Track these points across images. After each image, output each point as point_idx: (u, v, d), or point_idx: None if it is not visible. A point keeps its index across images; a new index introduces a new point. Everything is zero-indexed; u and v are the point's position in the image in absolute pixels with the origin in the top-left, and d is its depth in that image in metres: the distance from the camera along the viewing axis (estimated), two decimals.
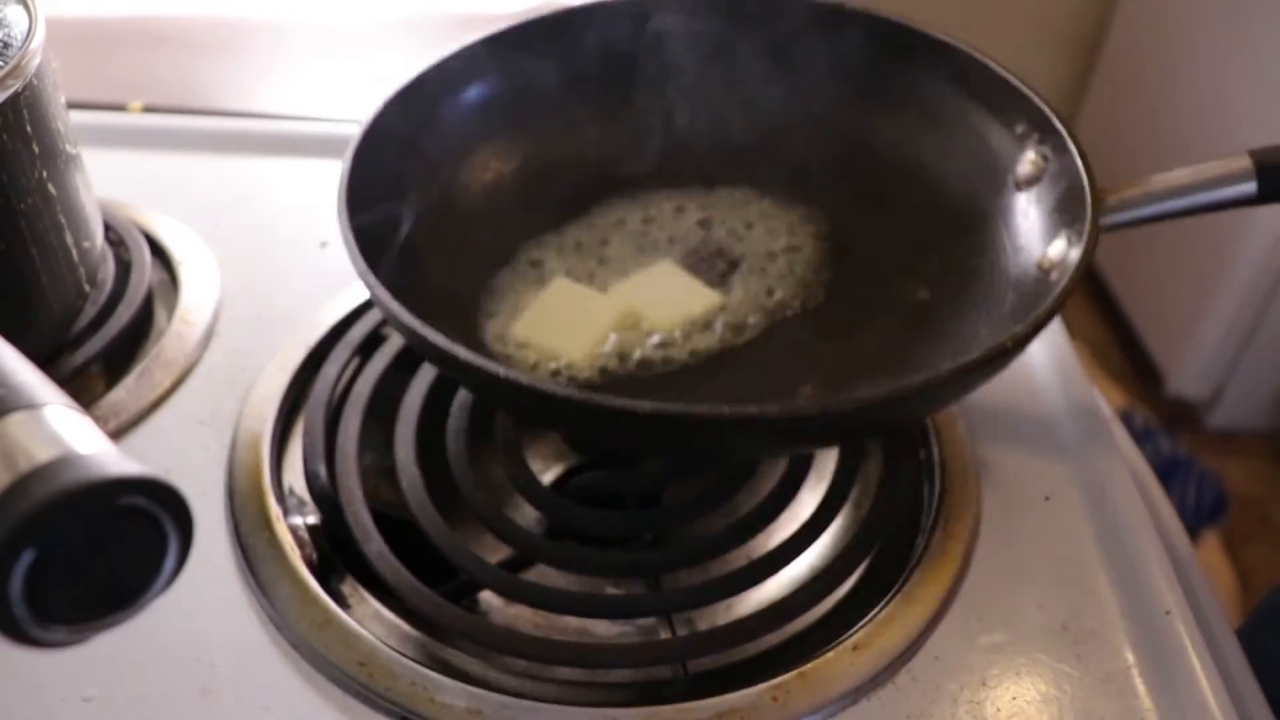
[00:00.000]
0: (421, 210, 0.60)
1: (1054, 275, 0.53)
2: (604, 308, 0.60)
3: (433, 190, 0.61)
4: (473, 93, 0.65)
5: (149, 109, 0.83)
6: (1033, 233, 0.58)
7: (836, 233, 0.65)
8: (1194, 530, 1.54)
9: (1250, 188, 0.54)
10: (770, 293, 0.62)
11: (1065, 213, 0.55)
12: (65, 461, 0.24)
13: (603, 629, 0.52)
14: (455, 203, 0.63)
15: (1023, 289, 0.56)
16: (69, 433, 0.26)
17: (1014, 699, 0.47)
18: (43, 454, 0.25)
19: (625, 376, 0.57)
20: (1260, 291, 1.74)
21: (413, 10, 1.06)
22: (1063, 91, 2.56)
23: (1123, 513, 0.56)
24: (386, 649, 0.46)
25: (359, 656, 0.46)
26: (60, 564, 0.24)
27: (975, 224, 0.62)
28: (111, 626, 0.26)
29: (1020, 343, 0.46)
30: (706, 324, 0.59)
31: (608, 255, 0.64)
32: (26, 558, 0.24)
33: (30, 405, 0.26)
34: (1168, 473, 1.61)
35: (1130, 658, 0.49)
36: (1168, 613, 0.51)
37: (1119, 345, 2.17)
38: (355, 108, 0.88)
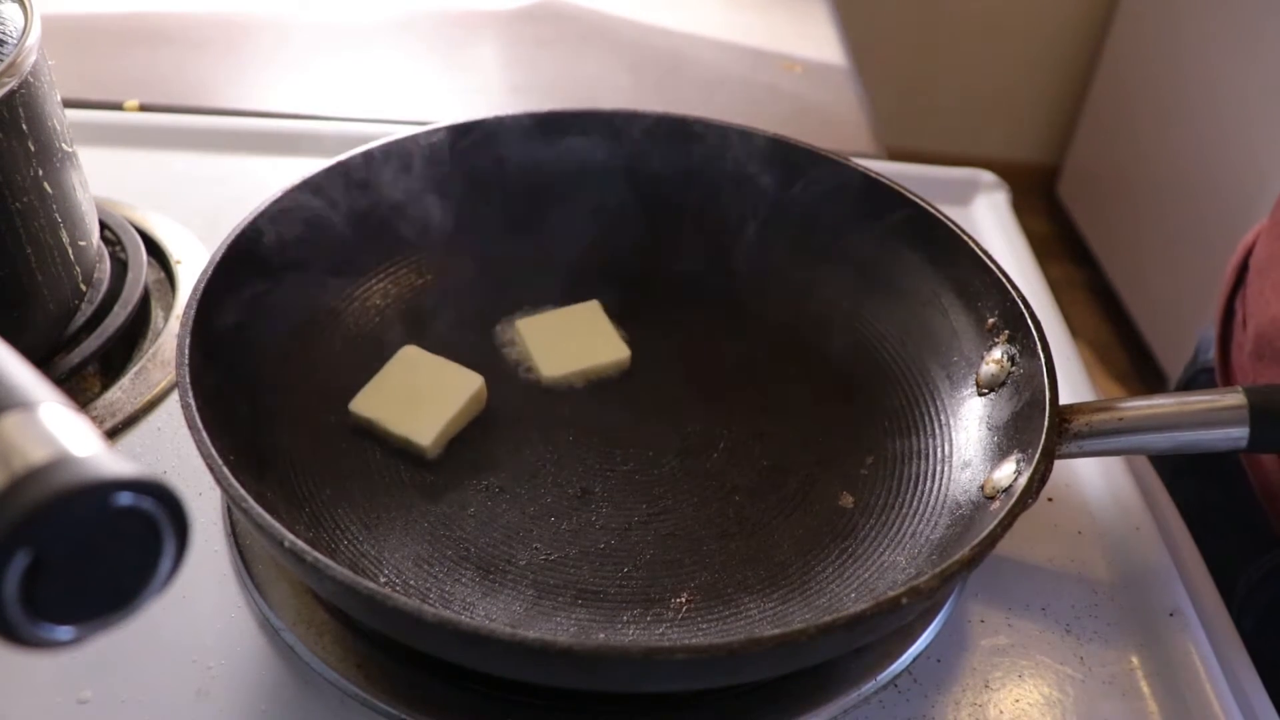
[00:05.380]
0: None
1: (995, 505, 0.47)
2: (459, 383, 0.56)
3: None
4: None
5: (145, 107, 0.83)
6: (984, 447, 0.52)
7: (768, 405, 0.59)
8: None
9: (1240, 434, 0.47)
10: (678, 469, 0.55)
11: (1022, 431, 0.49)
12: (61, 462, 0.24)
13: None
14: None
15: (960, 514, 0.50)
16: (65, 433, 0.25)
17: (1017, 701, 0.47)
18: (38, 455, 0.24)
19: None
20: None
21: (412, 8, 1.05)
22: (1052, 125, 2.56)
23: (1127, 514, 0.56)
24: (384, 652, 0.46)
25: (356, 659, 0.46)
26: (56, 565, 0.24)
27: (922, 422, 0.56)
28: (108, 628, 0.26)
29: (918, 595, 0.40)
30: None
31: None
32: (22, 559, 0.24)
33: (26, 405, 0.26)
34: None
35: (1134, 660, 0.49)
36: (1172, 614, 0.51)
37: (1122, 346, 2.17)
38: (354, 107, 0.88)
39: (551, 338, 0.61)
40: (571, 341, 0.61)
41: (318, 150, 0.74)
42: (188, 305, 0.49)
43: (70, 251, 0.57)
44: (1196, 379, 0.74)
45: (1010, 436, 0.50)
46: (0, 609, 0.24)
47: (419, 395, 0.55)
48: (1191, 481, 0.62)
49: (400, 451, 0.54)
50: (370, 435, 0.55)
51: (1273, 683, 0.49)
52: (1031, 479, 0.45)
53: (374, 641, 0.46)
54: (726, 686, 0.45)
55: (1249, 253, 0.67)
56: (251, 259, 0.54)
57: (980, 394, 0.54)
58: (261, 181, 0.72)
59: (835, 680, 0.47)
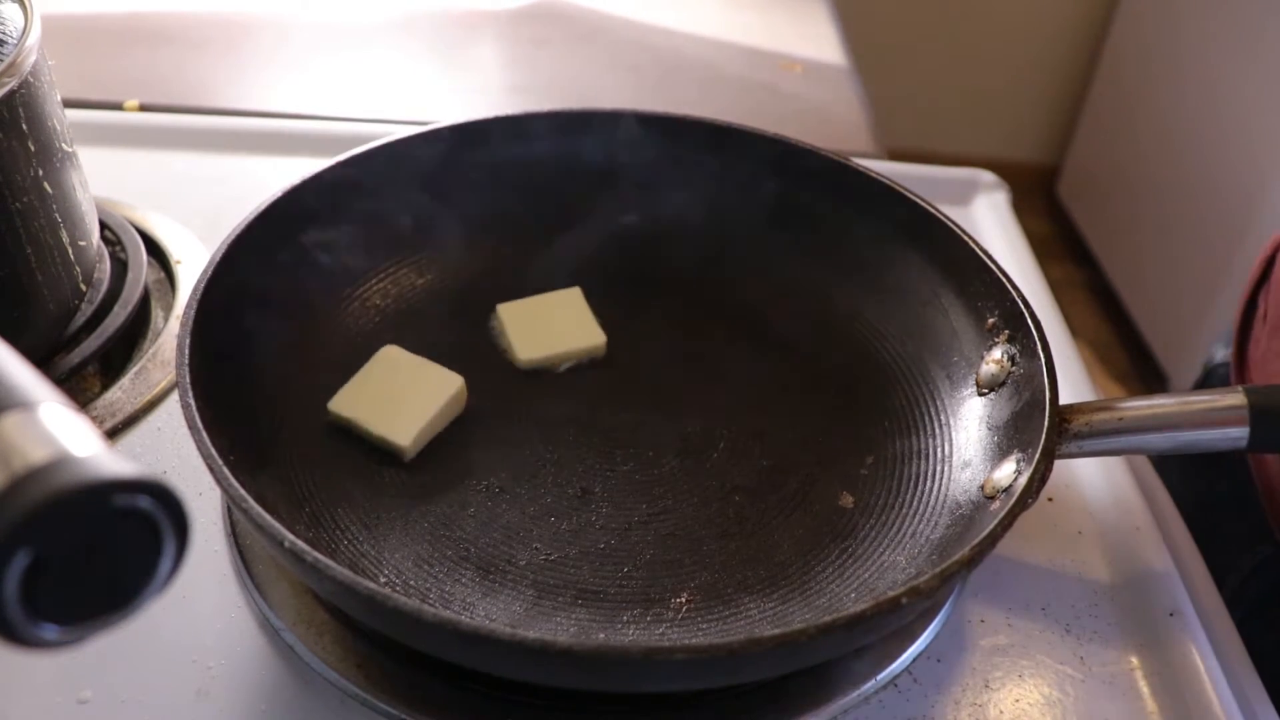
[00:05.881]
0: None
1: (995, 505, 0.47)
2: (436, 383, 0.56)
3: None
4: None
5: (145, 107, 0.83)
6: (984, 447, 0.52)
7: (768, 405, 0.59)
8: None
9: (1240, 434, 0.47)
10: (677, 469, 0.55)
11: (1022, 431, 0.49)
12: (61, 462, 0.24)
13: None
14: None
15: (960, 514, 0.50)
16: (65, 433, 0.25)
17: (1017, 701, 0.47)
18: (38, 455, 0.24)
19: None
20: None
21: (412, 8, 1.05)
22: (1052, 125, 2.56)
23: (1127, 514, 0.56)
24: (384, 652, 0.46)
25: (356, 659, 0.46)
26: (56, 565, 0.24)
27: (922, 422, 0.56)
28: (107, 628, 0.26)
29: (918, 595, 0.39)
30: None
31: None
32: (22, 559, 0.24)
33: (26, 405, 0.26)
34: None
35: (1134, 660, 0.49)
36: (1172, 614, 0.51)
37: (1123, 346, 2.17)
38: (354, 107, 0.88)
39: (530, 322, 0.61)
40: (549, 326, 0.61)
41: (318, 150, 0.74)
42: (188, 305, 0.49)
43: (70, 251, 0.57)
44: (1215, 372, 0.74)
45: (1010, 436, 0.50)
46: (0, 609, 0.24)
47: (398, 395, 0.55)
48: (1198, 475, 0.61)
49: (387, 451, 0.54)
50: (350, 435, 0.54)
51: (1260, 674, 0.49)
52: (1031, 479, 0.45)
53: (374, 641, 0.46)
54: (726, 686, 0.45)
55: (1278, 248, 0.67)
56: (251, 259, 0.54)
57: (980, 394, 0.54)
58: (261, 181, 0.72)
59: (835, 680, 0.47)
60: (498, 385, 0.59)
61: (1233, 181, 1.82)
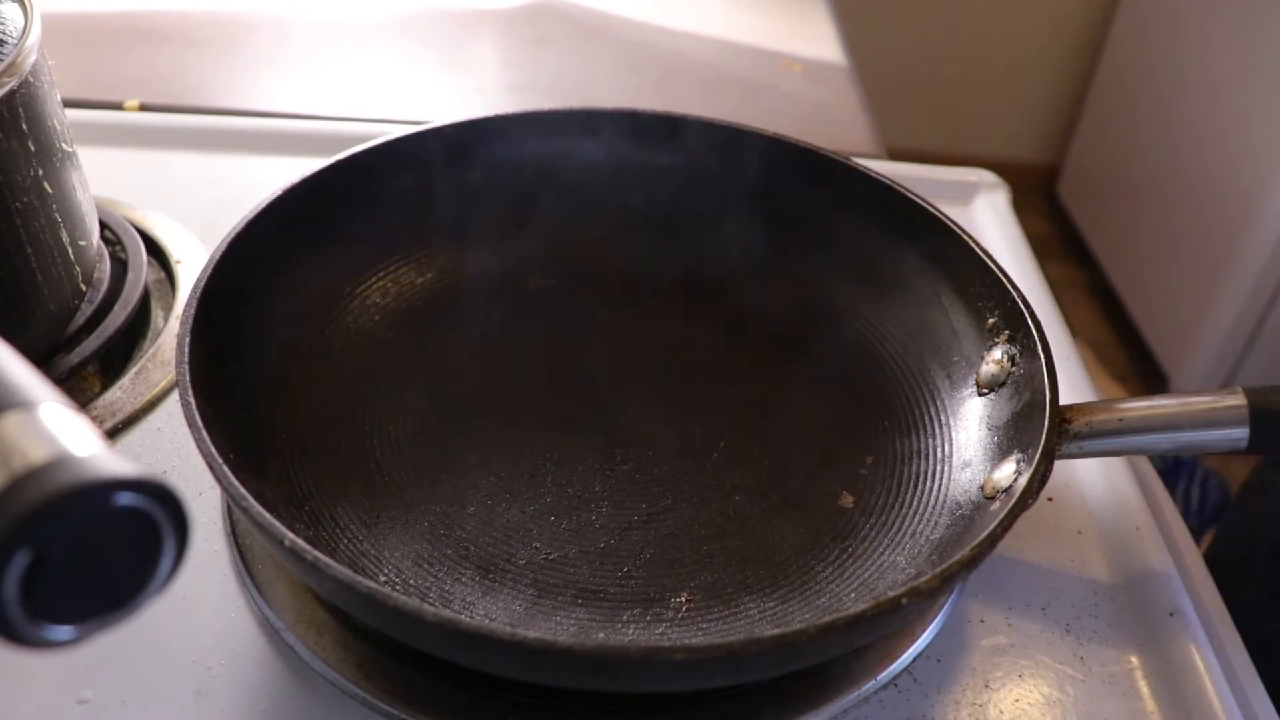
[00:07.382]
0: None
1: (995, 505, 0.47)
2: None
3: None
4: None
5: (145, 107, 0.83)
6: (984, 447, 0.52)
7: (768, 405, 0.59)
8: (1197, 531, 1.54)
9: (1241, 434, 0.48)
10: (678, 469, 0.55)
11: (1023, 431, 0.49)
12: (61, 462, 0.24)
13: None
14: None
15: (960, 514, 0.50)
16: (65, 433, 0.25)
17: (1016, 701, 0.47)
18: (38, 454, 0.24)
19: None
20: (1265, 292, 1.74)
21: (412, 8, 1.05)
22: (1052, 125, 2.56)
23: (1127, 514, 0.56)
24: (384, 652, 0.46)
25: (356, 659, 0.46)
26: (56, 565, 0.24)
27: (922, 422, 0.56)
28: (108, 628, 0.26)
29: (918, 596, 0.39)
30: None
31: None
32: (22, 559, 0.24)
33: (26, 405, 0.26)
34: (1172, 473, 1.61)
35: (1134, 660, 0.49)
36: (1172, 614, 0.51)
37: (1123, 346, 2.17)
38: (354, 107, 0.88)
39: None
40: None
41: (318, 150, 0.74)
42: (187, 304, 0.49)
43: (70, 251, 0.57)
44: None
45: (1010, 436, 0.50)
46: (0, 609, 0.24)
47: None
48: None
49: (401, 449, 0.54)
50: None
51: None
52: (1032, 479, 0.45)
53: (374, 641, 0.46)
54: (726, 686, 0.45)
55: None
56: (251, 258, 0.54)
57: (980, 394, 0.54)
58: (261, 181, 0.72)
59: (835, 680, 0.47)
60: (498, 385, 0.59)
61: (1233, 181, 1.81)
